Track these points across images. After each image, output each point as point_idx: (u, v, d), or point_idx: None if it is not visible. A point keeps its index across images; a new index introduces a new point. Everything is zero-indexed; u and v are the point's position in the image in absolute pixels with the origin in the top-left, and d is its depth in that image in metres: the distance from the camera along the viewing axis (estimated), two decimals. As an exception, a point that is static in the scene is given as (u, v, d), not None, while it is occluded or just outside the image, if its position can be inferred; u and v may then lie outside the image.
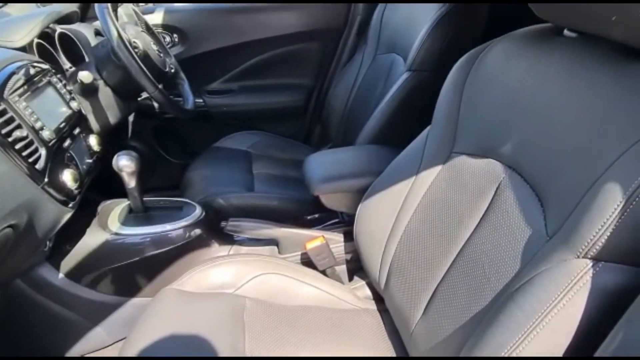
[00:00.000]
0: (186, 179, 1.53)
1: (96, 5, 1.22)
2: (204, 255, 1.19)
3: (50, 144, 0.94)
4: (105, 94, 1.33)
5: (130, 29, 1.33)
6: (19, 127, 0.88)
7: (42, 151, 0.92)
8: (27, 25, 1.19)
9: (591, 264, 0.54)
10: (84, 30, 1.50)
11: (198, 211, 1.23)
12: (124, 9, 1.40)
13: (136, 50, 1.30)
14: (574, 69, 0.69)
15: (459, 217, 0.82)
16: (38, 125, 0.93)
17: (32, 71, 1.01)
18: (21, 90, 0.94)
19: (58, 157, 0.97)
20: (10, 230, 0.86)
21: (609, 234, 0.52)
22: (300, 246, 1.18)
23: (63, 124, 1.03)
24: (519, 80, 0.78)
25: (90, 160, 1.12)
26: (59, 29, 1.39)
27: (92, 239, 1.11)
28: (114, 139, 1.80)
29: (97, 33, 1.56)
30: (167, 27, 1.75)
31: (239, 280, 1.04)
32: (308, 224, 1.35)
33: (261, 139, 1.80)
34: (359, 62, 1.69)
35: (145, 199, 1.24)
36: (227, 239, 1.24)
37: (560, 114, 0.67)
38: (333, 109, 1.75)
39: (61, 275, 1.08)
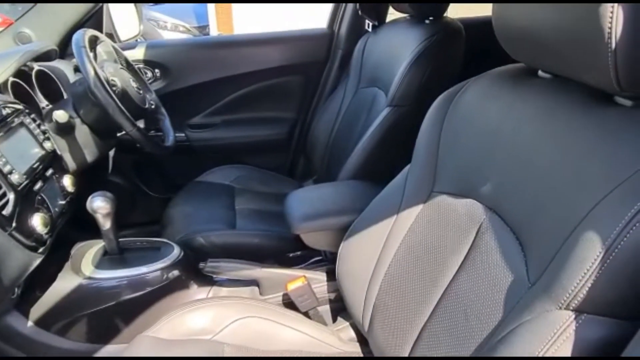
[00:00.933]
0: (166, 216, 1.50)
1: (73, 43, 1.21)
2: (183, 298, 1.15)
3: (19, 188, 0.91)
4: (83, 132, 1.30)
5: (109, 67, 1.32)
6: None
7: (10, 196, 0.89)
8: (1, 64, 1.17)
9: (573, 316, 0.52)
10: (63, 67, 1.48)
11: (176, 251, 1.20)
12: (102, 47, 1.39)
13: (114, 88, 1.28)
14: (550, 110, 0.69)
15: (441, 259, 0.81)
16: (7, 169, 0.90)
17: (3, 112, 0.99)
18: None
19: (27, 201, 0.94)
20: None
21: (589, 285, 0.51)
22: (282, 287, 1.15)
23: (35, 166, 1.00)
24: (497, 120, 0.78)
25: (63, 202, 1.08)
26: (36, 66, 1.37)
27: (63, 284, 1.07)
28: (92, 176, 1.78)
29: (77, 70, 1.54)
30: (148, 63, 1.74)
31: (218, 325, 1.00)
32: (290, 262, 1.32)
33: (244, 173, 1.77)
34: (341, 95, 1.69)
35: (122, 239, 1.20)
36: (207, 280, 1.20)
37: (538, 156, 0.67)
38: (317, 142, 1.75)
39: (30, 323, 1.03)
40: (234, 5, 6.46)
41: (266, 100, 1.90)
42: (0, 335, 1.00)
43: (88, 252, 1.15)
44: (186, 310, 1.01)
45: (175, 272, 1.16)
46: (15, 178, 0.90)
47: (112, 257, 1.14)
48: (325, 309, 1.19)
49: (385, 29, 1.59)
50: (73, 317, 1.07)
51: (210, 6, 7.16)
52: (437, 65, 1.26)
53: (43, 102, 1.35)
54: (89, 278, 1.07)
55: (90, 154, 1.33)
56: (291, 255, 1.36)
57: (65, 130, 1.26)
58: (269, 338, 1.00)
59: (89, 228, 1.25)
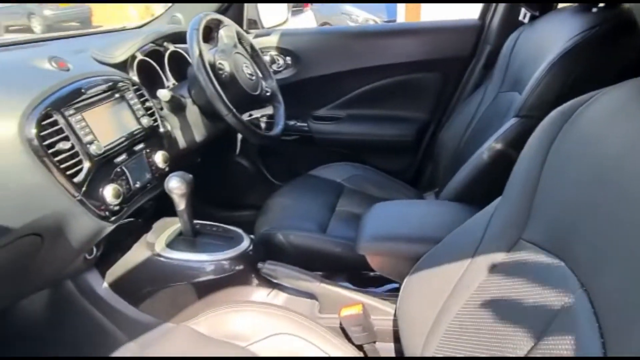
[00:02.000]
0: (266, 204, 1.47)
1: (189, 25, 1.25)
2: (240, 293, 1.10)
3: (96, 158, 0.96)
4: (193, 113, 1.35)
5: (223, 51, 1.33)
6: (65, 139, 0.91)
7: (85, 165, 0.94)
8: (128, 42, 1.27)
9: None
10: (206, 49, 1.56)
11: (244, 245, 1.15)
12: (225, 31, 1.41)
13: (220, 72, 1.29)
14: None
15: (512, 329, 0.59)
16: (88, 138, 0.95)
17: (104, 86, 1.05)
18: (82, 104, 0.98)
19: (103, 171, 0.98)
20: (37, 238, 0.89)
21: None
22: (339, 309, 1.00)
23: (122, 140, 1.05)
24: (621, 148, 0.51)
25: (149, 176, 1.12)
26: (171, 47, 1.47)
27: (135, 255, 1.11)
28: (220, 155, 1.87)
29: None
30: (281, 50, 1.74)
31: (256, 334, 0.92)
32: (367, 283, 1.16)
33: (360, 172, 1.64)
34: (479, 99, 1.42)
35: (199, 222, 1.21)
36: (269, 281, 1.12)
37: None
38: (444, 149, 1.51)
39: (105, 284, 1.10)
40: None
41: (397, 97, 1.72)
42: (80, 289, 1.10)
43: (167, 229, 1.18)
44: (231, 310, 0.96)
45: (238, 266, 1.11)
46: (93, 148, 0.95)
47: (185, 239, 1.14)
48: (386, 347, 1.00)
49: (544, 20, 1.26)
50: (137, 288, 1.11)
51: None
52: (590, 66, 0.93)
53: (170, 81, 1.44)
54: (157, 255, 1.10)
55: (199, 134, 1.38)
56: (372, 274, 1.20)
57: (178, 109, 1.32)
58: (304, 363, 0.88)
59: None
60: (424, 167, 1.77)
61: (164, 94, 1.19)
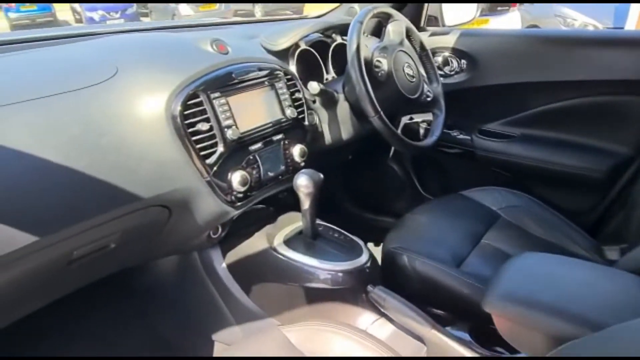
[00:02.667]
0: (405, 218, 1.35)
1: (355, 18, 1.18)
2: (344, 311, 1.01)
3: (231, 143, 0.97)
4: (343, 109, 1.29)
5: (385, 47, 1.23)
6: (206, 120, 0.93)
7: (220, 148, 0.95)
8: (294, 31, 1.26)
9: None
10: (369, 43, 1.49)
11: (363, 259, 1.05)
12: (394, 26, 1.30)
13: (377, 69, 1.20)
14: None
15: None
16: (227, 123, 0.97)
17: (255, 74, 1.06)
18: (230, 88, 0.99)
19: (236, 157, 0.99)
20: (165, 210, 0.94)
21: None
22: (448, 365, 0.84)
23: (261, 128, 1.04)
24: None
25: (282, 168, 1.10)
26: (339, 39, 1.44)
27: (253, 244, 1.11)
28: (372, 156, 1.79)
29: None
30: (457, 52, 1.55)
31: (344, 365, 0.83)
32: (494, 340, 0.95)
33: (522, 204, 1.39)
34: None
35: (323, 224, 1.15)
36: (377, 308, 1.01)
37: None
38: (643, 198, 1.17)
39: (224, 264, 1.13)
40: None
41: (592, 122, 1.39)
42: (203, 262, 1.15)
43: (289, 225, 1.15)
44: (329, 330, 0.89)
45: (350, 282, 1.02)
46: (229, 133, 0.96)
47: (304, 239, 1.10)
48: None
49: None
50: (249, 274, 1.11)
51: (635, 6, 5.93)
52: None
53: (330, 74, 1.41)
54: (273, 249, 1.07)
55: (346, 132, 1.32)
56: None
57: (328, 103, 1.28)
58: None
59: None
60: (612, 214, 1.40)
61: (313, 86, 1.16)
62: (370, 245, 1.88)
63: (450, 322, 0.99)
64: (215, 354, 1.19)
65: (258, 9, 10.07)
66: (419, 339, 0.96)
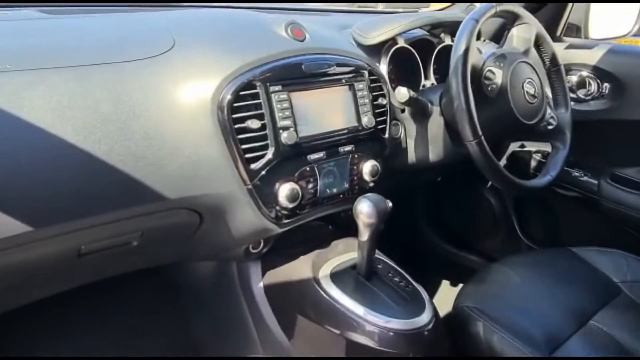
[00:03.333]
0: (491, 269, 1.08)
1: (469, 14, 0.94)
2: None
3: (285, 148, 0.80)
4: (436, 125, 1.06)
5: (504, 56, 0.97)
6: (258, 117, 0.77)
7: (269, 152, 0.79)
8: (391, 24, 1.05)
9: None
10: (486, 49, 1.23)
11: (424, 319, 0.83)
12: (521, 30, 1.03)
13: (487, 82, 0.94)
14: None
15: None
16: (284, 123, 0.80)
17: (333, 69, 0.87)
18: (295, 82, 0.82)
19: (288, 166, 0.82)
20: (195, 215, 0.80)
21: None
22: None
23: (327, 135, 0.86)
24: None
25: (346, 186, 0.91)
26: (448, 40, 1.19)
27: (296, 269, 0.94)
28: (464, 181, 1.52)
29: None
30: (598, 71, 1.22)
31: None
32: None
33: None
34: None
35: (383, 260, 0.94)
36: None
37: None
38: None
39: (261, 284, 0.97)
40: None
41: None
42: (240, 277, 1.00)
43: (343, 254, 0.95)
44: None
45: (399, 346, 0.80)
46: (285, 136, 0.79)
47: (356, 277, 0.90)
48: None
49: None
50: (284, 303, 0.94)
51: None
52: None
53: (430, 80, 1.18)
54: (316, 282, 0.89)
55: (435, 153, 1.08)
56: None
57: (419, 115, 1.05)
58: None
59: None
60: None
61: (402, 93, 0.94)
62: (443, 287, 1.62)
63: None
64: None
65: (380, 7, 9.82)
66: None
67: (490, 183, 1.49)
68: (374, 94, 0.95)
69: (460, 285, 1.64)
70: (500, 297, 0.98)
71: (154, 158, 0.71)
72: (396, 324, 0.81)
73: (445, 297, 1.61)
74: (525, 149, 1.39)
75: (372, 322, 0.82)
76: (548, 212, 1.42)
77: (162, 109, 0.72)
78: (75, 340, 1.15)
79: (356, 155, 0.92)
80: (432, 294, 1.61)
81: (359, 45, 1.05)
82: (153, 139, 0.71)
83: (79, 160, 0.66)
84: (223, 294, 1.06)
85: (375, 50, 1.06)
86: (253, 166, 0.78)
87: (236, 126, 0.76)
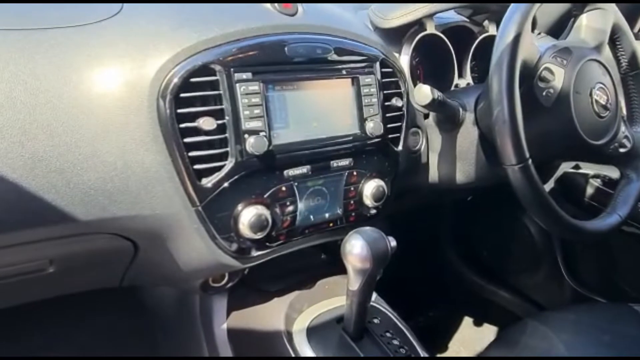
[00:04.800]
0: (522, 327, 0.84)
1: None
2: None
3: (250, 159, 0.58)
4: (469, 137, 0.81)
5: (568, 50, 0.72)
6: (216, 114, 0.56)
7: (229, 164, 0.58)
8: (415, 5, 0.81)
9: None
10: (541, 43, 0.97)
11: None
12: (593, 18, 0.76)
13: (542, 83, 0.69)
14: None
15: None
16: (251, 125, 0.58)
17: (329, 56, 0.65)
18: (274, 70, 0.60)
19: (254, 182, 0.60)
20: (126, 243, 0.59)
21: None
22: None
23: (315, 143, 0.64)
24: None
25: (339, 212, 0.69)
26: (492, 29, 0.94)
27: (266, 314, 0.72)
28: (496, 202, 1.27)
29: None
30: None
31: None
32: None
33: None
34: None
35: (383, 309, 0.72)
36: None
37: None
38: None
39: (224, 326, 0.76)
40: None
41: None
42: (202, 316, 0.79)
43: (327, 299, 0.73)
44: None
45: None
46: (252, 142, 0.57)
47: (341, 335, 0.67)
48: None
49: None
50: (245, 357, 0.73)
51: None
52: None
53: (466, 79, 0.93)
54: (287, 337, 0.67)
55: (463, 173, 0.84)
56: None
57: (448, 123, 0.81)
58: None
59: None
60: None
61: (423, 93, 0.70)
62: (466, 325, 1.38)
63: None
64: None
65: None
66: None
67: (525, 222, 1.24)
68: (385, 92, 0.72)
69: (485, 324, 1.40)
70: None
71: (59, 163, 0.51)
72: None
73: (467, 338, 1.37)
74: (580, 171, 1.13)
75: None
76: (607, 252, 1.14)
77: (77, 96, 0.52)
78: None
79: (355, 172, 0.69)
80: (450, 334, 1.37)
81: (376, 29, 0.82)
82: (60, 136, 0.51)
83: None
84: (185, 327, 0.86)
85: (396, 37, 0.83)
86: (204, 182, 0.57)
87: (182, 125, 0.55)
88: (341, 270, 0.79)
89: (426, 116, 0.84)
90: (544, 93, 0.70)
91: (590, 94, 0.72)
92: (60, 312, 0.99)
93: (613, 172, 1.04)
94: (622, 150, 0.79)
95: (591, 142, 0.72)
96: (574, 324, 0.85)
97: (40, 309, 0.83)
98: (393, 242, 0.60)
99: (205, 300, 0.79)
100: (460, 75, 0.92)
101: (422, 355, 0.67)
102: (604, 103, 0.73)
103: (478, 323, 1.37)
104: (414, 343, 0.69)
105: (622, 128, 0.79)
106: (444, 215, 1.40)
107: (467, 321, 1.39)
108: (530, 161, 0.64)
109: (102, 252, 0.60)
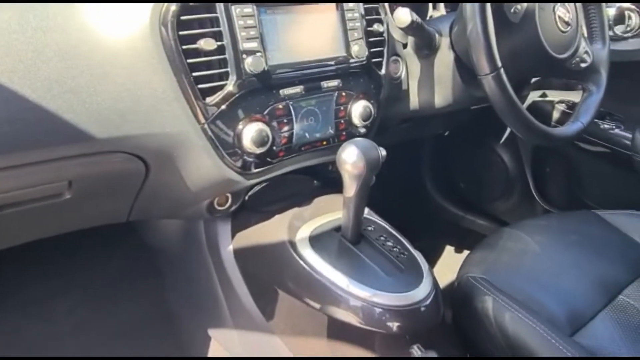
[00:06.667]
0: (502, 234, 0.93)
1: None
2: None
3: (249, 78, 0.63)
4: (445, 61, 0.87)
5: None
6: (214, 36, 0.60)
7: (231, 82, 0.62)
8: None
9: None
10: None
11: (421, 293, 0.68)
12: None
13: (511, 3, 0.75)
14: None
15: None
16: (249, 46, 0.62)
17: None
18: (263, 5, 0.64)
19: (255, 100, 0.65)
20: (139, 163, 0.64)
21: None
22: None
23: (308, 64, 0.69)
24: None
25: (331, 131, 0.75)
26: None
27: (270, 230, 0.78)
28: (470, 133, 1.35)
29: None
30: (642, 2, 1.02)
31: None
32: None
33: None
34: None
35: (375, 221, 0.79)
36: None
37: None
38: None
39: (230, 248, 0.83)
40: None
41: None
42: (208, 238, 0.85)
43: (326, 214, 0.79)
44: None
45: (391, 326, 0.66)
46: (250, 62, 0.62)
47: (341, 241, 0.74)
48: None
49: None
50: (256, 272, 0.80)
51: None
52: None
53: (438, 10, 0.99)
54: (292, 246, 0.73)
55: (441, 96, 0.91)
56: None
57: (423, 49, 0.87)
58: None
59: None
60: None
61: (402, 16, 0.75)
62: (447, 254, 1.48)
63: None
64: (210, 352, 0.93)
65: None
66: None
67: (503, 138, 1.33)
68: (367, 18, 0.77)
69: (467, 252, 1.51)
70: (513, 267, 0.83)
71: (74, 84, 0.55)
72: (386, 298, 0.66)
73: (449, 265, 1.47)
74: (547, 99, 1.21)
75: (357, 295, 0.67)
76: (570, 170, 1.24)
77: (84, 21, 0.55)
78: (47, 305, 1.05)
79: (344, 93, 0.75)
80: (433, 263, 1.47)
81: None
82: (72, 59, 0.54)
83: None
84: (192, 257, 0.92)
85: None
86: (209, 100, 0.62)
87: (185, 47, 0.59)
88: (334, 192, 0.86)
89: (405, 46, 0.89)
90: (512, 10, 0.76)
91: (554, 10, 0.79)
92: (70, 256, 1.04)
93: (576, 97, 1.13)
94: (582, 65, 0.87)
95: (555, 55, 0.80)
96: (546, 228, 0.95)
97: (50, 252, 0.86)
98: (383, 152, 0.67)
99: (209, 227, 0.85)
100: (435, 8, 0.98)
101: (414, 252, 0.75)
102: (566, 19, 0.80)
103: (459, 250, 1.48)
104: (408, 245, 0.77)
105: (583, 44, 0.86)
106: (424, 152, 1.48)
107: (449, 249, 1.49)
108: (502, 70, 0.70)
109: (116, 173, 0.65)
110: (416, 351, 0.64)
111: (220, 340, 0.91)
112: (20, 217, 0.65)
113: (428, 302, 0.68)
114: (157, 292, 1.10)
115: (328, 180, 0.92)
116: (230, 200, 0.79)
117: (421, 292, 0.68)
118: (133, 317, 1.09)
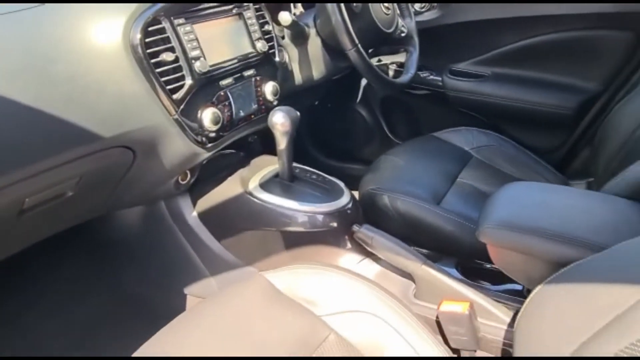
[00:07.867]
0: (379, 161, 1.31)
1: None
2: (327, 253, 0.98)
3: (200, 76, 0.87)
4: (315, 45, 1.21)
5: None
6: (170, 50, 0.83)
7: (187, 81, 0.86)
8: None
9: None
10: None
11: (344, 200, 1.01)
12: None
13: (355, 4, 1.12)
14: None
15: None
16: (194, 54, 0.87)
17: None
18: (195, 15, 0.89)
19: (205, 92, 0.90)
20: (129, 152, 0.84)
21: None
22: (440, 299, 0.83)
23: (232, 61, 0.95)
24: None
25: (255, 107, 1.02)
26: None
27: (226, 189, 1.04)
28: (339, 101, 1.73)
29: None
30: (427, -14, 1.49)
31: (336, 305, 0.80)
32: (479, 275, 0.95)
33: (495, 143, 1.38)
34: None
35: (300, 167, 1.09)
36: (363, 247, 0.98)
37: None
38: (612, 132, 1.18)
39: (194, 213, 1.06)
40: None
41: (564, 59, 1.39)
42: (171, 212, 1.07)
43: (264, 168, 1.08)
44: (314, 271, 0.84)
45: (332, 223, 0.98)
46: (198, 65, 0.86)
47: (281, 182, 1.04)
48: (489, 361, 0.81)
49: None
50: (223, 223, 1.05)
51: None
52: None
53: (297, 9, 1.31)
54: (249, 193, 1.01)
55: (317, 71, 1.24)
56: (487, 266, 0.99)
57: (299, 38, 1.19)
58: (383, 352, 0.73)
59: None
60: (578, 150, 1.43)
61: (284, 17, 1.06)
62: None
63: (435, 259, 0.98)
64: (188, 306, 1.14)
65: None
66: (406, 276, 0.94)
67: (359, 98, 1.73)
68: (260, 21, 1.05)
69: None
70: (393, 176, 1.21)
71: (82, 100, 0.74)
72: (323, 207, 0.98)
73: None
74: (382, 62, 1.64)
75: (303, 211, 0.97)
76: (408, 111, 1.70)
77: (76, 53, 0.74)
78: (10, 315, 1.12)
79: (258, 78, 1.03)
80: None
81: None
82: (76, 81, 0.73)
83: (6, 110, 0.66)
84: (156, 235, 1.11)
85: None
86: (175, 96, 0.85)
87: (152, 61, 0.81)
88: (257, 156, 1.14)
89: (283, 37, 1.20)
90: (354, 4, 1.12)
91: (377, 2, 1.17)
92: (35, 263, 1.12)
93: (401, 58, 1.57)
94: (402, 35, 1.28)
95: (385, 30, 1.19)
96: (405, 151, 1.35)
97: (23, 260, 0.96)
98: (298, 113, 0.97)
99: (171, 204, 1.07)
100: (295, 7, 1.30)
101: (332, 179, 1.08)
102: (387, 6, 1.19)
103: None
104: (327, 176, 1.09)
105: (399, 21, 1.27)
106: (302, 122, 1.81)
107: None
108: (359, 45, 1.06)
109: (112, 165, 0.84)
110: (355, 228, 0.96)
111: (197, 293, 1.13)
112: (36, 219, 0.81)
113: (350, 205, 1.02)
114: (114, 282, 1.24)
115: (249, 151, 1.20)
116: (189, 175, 1.02)
117: (344, 199, 1.01)
118: (101, 309, 1.22)
